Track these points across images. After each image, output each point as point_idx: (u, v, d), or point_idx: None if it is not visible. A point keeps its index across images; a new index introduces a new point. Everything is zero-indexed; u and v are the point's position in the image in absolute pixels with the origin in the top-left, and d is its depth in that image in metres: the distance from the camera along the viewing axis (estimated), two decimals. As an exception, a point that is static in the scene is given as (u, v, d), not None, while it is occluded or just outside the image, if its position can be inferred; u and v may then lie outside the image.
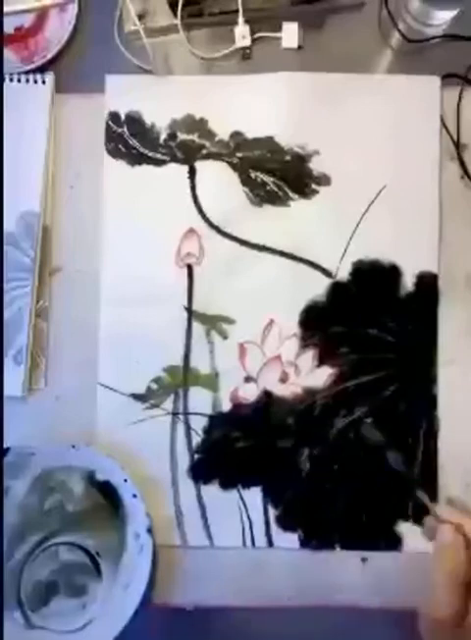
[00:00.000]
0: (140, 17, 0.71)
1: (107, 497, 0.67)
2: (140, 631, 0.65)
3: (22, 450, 0.66)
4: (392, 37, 0.72)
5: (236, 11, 0.70)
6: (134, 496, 0.65)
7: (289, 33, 0.71)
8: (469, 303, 0.70)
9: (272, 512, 0.67)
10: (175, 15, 0.70)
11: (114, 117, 0.71)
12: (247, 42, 0.71)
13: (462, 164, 0.70)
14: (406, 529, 0.67)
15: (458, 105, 0.70)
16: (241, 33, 0.71)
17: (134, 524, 0.66)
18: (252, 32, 0.71)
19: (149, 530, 0.64)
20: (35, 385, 0.70)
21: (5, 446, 0.66)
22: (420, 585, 0.65)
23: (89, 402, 0.69)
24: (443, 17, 0.67)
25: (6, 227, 0.70)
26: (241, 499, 0.67)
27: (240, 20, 0.70)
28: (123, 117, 0.71)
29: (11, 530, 0.67)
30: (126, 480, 0.65)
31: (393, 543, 0.67)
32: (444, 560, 0.52)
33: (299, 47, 0.71)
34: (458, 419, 0.68)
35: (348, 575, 0.67)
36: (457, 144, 0.70)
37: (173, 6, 0.70)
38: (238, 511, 0.67)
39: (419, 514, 0.67)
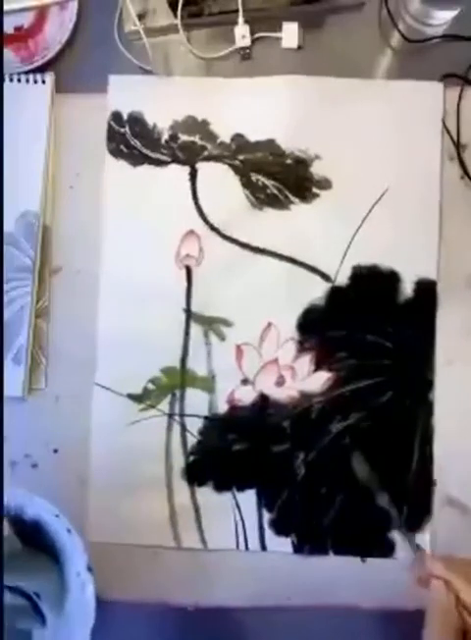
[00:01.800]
0: (140, 17, 0.70)
1: (39, 535, 0.62)
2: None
3: None
4: (393, 37, 0.71)
5: (236, 11, 0.70)
6: (69, 530, 0.60)
7: (289, 33, 0.70)
8: (469, 303, 0.69)
9: (266, 516, 0.67)
10: (175, 15, 0.70)
11: (116, 117, 0.71)
12: (247, 42, 0.71)
13: (462, 164, 0.69)
14: (400, 536, 0.67)
15: (458, 105, 0.70)
16: (241, 33, 0.70)
17: (73, 562, 0.61)
18: (252, 32, 0.71)
19: (89, 568, 0.59)
20: (35, 385, 0.70)
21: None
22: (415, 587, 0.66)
23: (89, 403, 0.70)
24: (443, 17, 0.66)
25: (6, 227, 0.70)
26: (236, 501, 0.68)
27: (240, 20, 0.70)
28: (125, 117, 0.71)
29: None
30: (57, 516, 0.60)
31: (387, 550, 0.67)
32: (435, 620, 0.54)
33: (299, 47, 0.71)
34: (458, 419, 0.68)
35: (346, 576, 0.67)
36: (457, 144, 0.69)
37: (173, 6, 0.70)
38: (232, 514, 0.68)
39: (413, 521, 0.67)
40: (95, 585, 0.59)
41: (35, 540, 0.62)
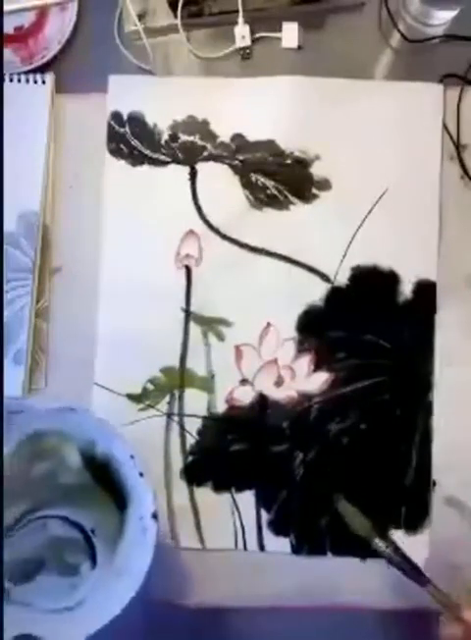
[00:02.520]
0: (140, 17, 0.70)
1: (108, 472, 0.60)
2: (135, 624, 0.66)
3: (8, 405, 0.58)
4: (393, 37, 0.71)
5: (236, 11, 0.70)
6: (141, 474, 0.57)
7: (289, 33, 0.70)
8: (468, 303, 0.69)
9: (264, 516, 0.67)
10: (175, 15, 0.70)
11: (116, 117, 0.71)
12: (247, 42, 0.71)
13: (462, 164, 0.69)
14: (399, 537, 0.66)
15: (458, 105, 0.69)
16: (241, 33, 0.70)
17: (138, 506, 0.58)
18: (252, 32, 0.71)
19: (154, 515, 0.57)
20: (35, 385, 0.70)
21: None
22: (413, 587, 0.66)
23: (89, 403, 0.69)
24: (443, 17, 0.66)
25: (6, 227, 0.70)
26: (234, 502, 0.68)
27: (240, 20, 0.70)
28: (125, 117, 0.71)
29: None
30: (132, 457, 0.57)
31: (386, 550, 0.67)
32: None
33: (299, 47, 0.71)
34: (457, 419, 0.68)
35: (345, 576, 0.67)
36: (457, 144, 0.69)
37: (173, 6, 0.70)
38: (231, 514, 0.68)
39: (411, 522, 0.67)
40: (157, 533, 0.57)
41: (103, 476, 0.61)
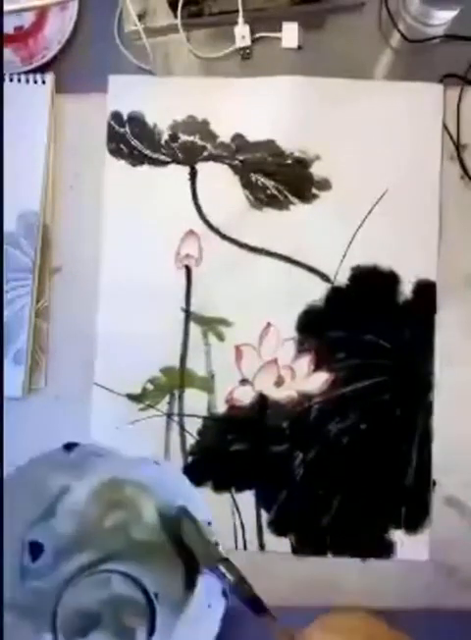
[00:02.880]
0: (140, 17, 0.70)
1: (181, 535, 0.55)
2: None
3: (92, 449, 0.56)
4: (393, 37, 0.71)
5: (236, 11, 0.69)
6: (216, 543, 0.53)
7: (289, 33, 0.70)
8: (468, 303, 0.69)
9: (264, 516, 0.68)
10: (175, 15, 0.70)
11: (116, 117, 0.71)
12: (247, 42, 0.71)
13: (462, 164, 0.69)
14: (398, 537, 0.67)
15: (458, 105, 0.70)
16: (241, 33, 0.70)
17: (208, 579, 0.53)
18: (252, 32, 0.71)
19: (225, 594, 0.52)
20: (35, 385, 0.70)
21: (72, 441, 0.57)
22: (414, 587, 0.66)
23: (89, 403, 0.70)
24: (443, 17, 0.66)
25: (6, 227, 0.70)
26: (234, 502, 0.68)
27: (240, 20, 0.70)
28: (125, 117, 0.71)
29: (60, 541, 0.56)
30: (210, 523, 0.54)
31: (386, 550, 0.67)
32: None
33: (299, 47, 0.71)
34: (457, 419, 0.68)
35: (345, 576, 0.67)
36: (457, 144, 0.69)
37: (173, 6, 0.69)
38: (231, 514, 0.68)
39: (411, 522, 0.67)
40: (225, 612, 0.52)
41: (177, 539, 0.56)
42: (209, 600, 0.53)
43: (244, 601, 0.52)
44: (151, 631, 0.56)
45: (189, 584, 0.54)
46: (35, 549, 0.56)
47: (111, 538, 0.57)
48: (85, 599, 0.57)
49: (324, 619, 0.49)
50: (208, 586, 0.53)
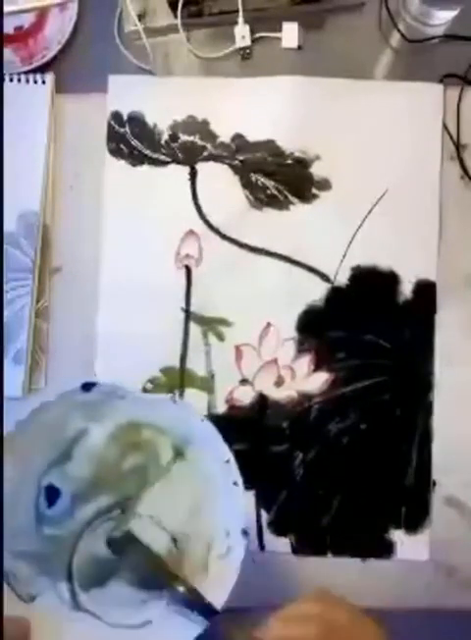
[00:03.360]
0: (140, 17, 0.70)
1: (200, 475, 0.57)
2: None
3: (110, 389, 0.56)
4: (393, 37, 0.71)
5: (236, 11, 0.70)
6: (235, 483, 0.53)
7: (289, 33, 0.70)
8: (468, 303, 0.69)
9: (264, 517, 0.67)
10: (175, 15, 0.70)
11: (116, 117, 0.71)
12: (247, 42, 0.71)
13: (462, 164, 0.69)
14: (398, 537, 0.67)
15: (458, 105, 0.70)
16: (241, 33, 0.70)
17: (227, 519, 0.54)
18: (252, 32, 0.71)
19: (245, 532, 0.52)
20: (35, 385, 0.70)
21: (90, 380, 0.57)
22: (414, 587, 0.66)
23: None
24: (443, 17, 0.66)
25: (6, 227, 0.70)
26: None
27: (240, 20, 0.70)
28: (125, 117, 0.71)
29: (77, 485, 0.56)
30: (228, 461, 0.54)
31: (386, 550, 0.67)
32: None
33: (299, 47, 0.71)
34: (457, 419, 0.68)
35: (345, 576, 0.67)
36: (457, 144, 0.69)
37: (173, 6, 0.70)
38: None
39: (411, 522, 0.67)
40: (247, 549, 0.52)
41: (192, 480, 0.57)
42: (228, 541, 0.53)
43: (195, 608, 0.51)
44: (171, 576, 0.55)
45: (209, 528, 0.55)
46: (52, 493, 0.57)
47: (129, 481, 0.57)
48: (103, 546, 0.56)
49: (281, 612, 0.49)
50: (226, 527, 0.54)
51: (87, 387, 0.56)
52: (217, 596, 0.52)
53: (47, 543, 0.56)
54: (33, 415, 0.55)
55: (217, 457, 0.55)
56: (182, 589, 0.52)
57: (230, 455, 0.54)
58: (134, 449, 0.58)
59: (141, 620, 0.54)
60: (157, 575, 0.54)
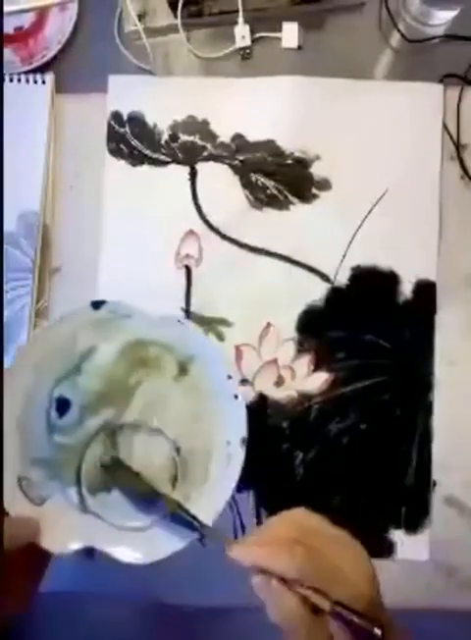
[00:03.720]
0: (140, 17, 0.70)
1: (202, 389, 0.60)
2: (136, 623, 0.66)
3: (118, 308, 0.59)
4: (393, 37, 0.71)
5: (236, 11, 0.70)
6: (235, 397, 0.57)
7: (289, 33, 0.70)
8: (468, 303, 0.69)
9: (264, 516, 0.67)
10: (175, 15, 0.70)
11: (116, 117, 0.71)
12: (247, 42, 0.71)
13: (462, 164, 0.69)
14: (398, 537, 0.67)
15: (458, 105, 0.70)
16: (241, 33, 0.70)
17: (227, 429, 0.58)
18: (252, 32, 0.71)
19: (244, 440, 0.56)
20: (35, 384, 0.70)
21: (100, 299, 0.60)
22: (414, 587, 0.66)
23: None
24: (443, 17, 0.66)
25: (6, 227, 0.70)
26: (234, 502, 0.67)
27: (240, 20, 0.70)
28: (125, 117, 0.71)
29: (86, 397, 0.59)
30: (230, 377, 0.57)
31: (386, 550, 0.67)
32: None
33: (299, 47, 0.71)
34: (457, 419, 0.68)
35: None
36: (457, 144, 0.69)
37: (173, 6, 0.70)
38: (231, 515, 0.67)
39: (411, 522, 0.67)
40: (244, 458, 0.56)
41: (196, 394, 0.60)
42: (228, 450, 0.57)
43: (184, 524, 0.54)
44: (173, 487, 0.59)
45: (209, 438, 0.59)
46: (62, 404, 0.60)
47: (136, 396, 0.61)
48: (110, 453, 0.60)
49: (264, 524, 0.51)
50: (226, 437, 0.57)
51: (97, 305, 0.59)
52: (216, 501, 0.56)
53: (58, 450, 0.59)
54: (46, 331, 0.59)
55: (218, 373, 0.58)
56: (170, 508, 0.55)
57: (230, 372, 0.58)
58: (141, 365, 0.61)
59: (144, 524, 0.57)
60: (147, 496, 0.57)
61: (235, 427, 0.57)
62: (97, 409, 0.60)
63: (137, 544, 0.55)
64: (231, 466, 0.57)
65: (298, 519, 0.50)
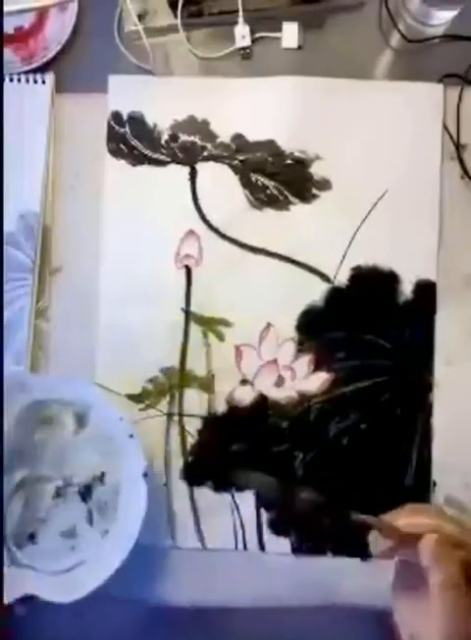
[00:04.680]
0: (140, 17, 0.70)
1: (102, 434, 0.65)
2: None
3: (13, 378, 0.64)
4: (392, 37, 0.71)
5: (236, 11, 0.69)
6: (131, 436, 0.62)
7: (289, 33, 0.70)
8: (468, 303, 0.69)
9: (264, 516, 0.67)
10: (175, 15, 0.70)
11: (116, 117, 0.71)
12: (247, 42, 0.71)
13: (462, 164, 0.69)
14: (399, 537, 0.67)
15: (458, 105, 0.70)
16: (241, 33, 0.70)
17: (129, 467, 0.63)
18: (252, 32, 0.71)
19: (145, 474, 0.62)
20: (35, 385, 0.71)
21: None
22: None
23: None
24: (443, 17, 0.66)
25: (6, 227, 0.70)
26: (234, 502, 0.68)
27: (240, 20, 0.70)
28: (125, 117, 0.71)
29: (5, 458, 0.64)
30: (121, 419, 0.63)
31: (386, 550, 0.67)
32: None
33: (299, 47, 0.71)
34: (457, 419, 0.68)
35: (345, 576, 0.67)
36: (457, 144, 0.69)
37: (173, 6, 0.70)
38: (231, 514, 0.68)
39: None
40: (149, 492, 0.61)
41: (96, 441, 0.66)
42: (134, 485, 0.62)
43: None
44: (90, 525, 0.66)
45: (114, 477, 0.65)
46: None
47: (41, 452, 0.66)
48: (28, 508, 0.65)
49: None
50: (130, 474, 0.63)
51: None
52: (131, 529, 0.61)
53: None
54: None
55: (112, 417, 0.63)
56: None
57: (121, 414, 0.63)
58: (42, 424, 0.66)
59: (71, 564, 0.63)
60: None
61: (136, 463, 0.62)
62: (10, 469, 0.65)
63: (64, 583, 0.61)
64: (138, 498, 0.61)
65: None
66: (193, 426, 0.69)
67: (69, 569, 0.63)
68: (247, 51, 0.71)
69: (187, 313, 0.70)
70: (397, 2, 0.70)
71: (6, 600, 0.58)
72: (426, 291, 0.68)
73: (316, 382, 0.68)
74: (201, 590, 0.67)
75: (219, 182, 0.71)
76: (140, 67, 0.71)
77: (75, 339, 0.70)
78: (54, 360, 0.70)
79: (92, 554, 0.63)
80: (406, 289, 0.69)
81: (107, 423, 0.64)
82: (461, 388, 0.68)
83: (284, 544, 0.67)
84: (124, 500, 0.64)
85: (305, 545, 0.67)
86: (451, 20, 0.68)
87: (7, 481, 0.65)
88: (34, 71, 0.71)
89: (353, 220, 0.69)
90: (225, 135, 0.71)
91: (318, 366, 0.68)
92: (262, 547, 0.67)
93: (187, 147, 0.71)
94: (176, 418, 0.69)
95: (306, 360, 0.69)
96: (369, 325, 0.68)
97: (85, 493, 0.66)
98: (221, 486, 0.68)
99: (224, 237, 0.70)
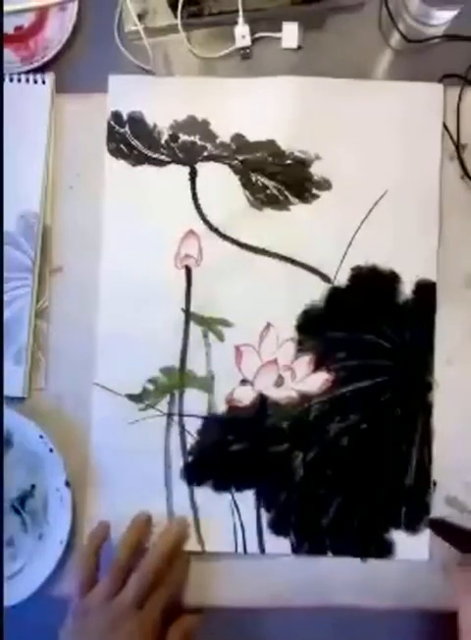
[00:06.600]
0: (140, 17, 0.70)
1: (27, 452, 0.69)
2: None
3: None
4: (392, 37, 0.71)
5: (236, 11, 0.69)
6: (51, 450, 0.68)
7: (289, 33, 0.70)
8: (468, 303, 0.69)
9: (264, 516, 0.68)
10: (175, 15, 0.70)
11: (116, 117, 0.71)
12: (247, 42, 0.71)
13: (462, 164, 0.69)
14: (398, 537, 0.67)
15: (458, 105, 0.69)
16: (241, 33, 0.70)
17: (53, 478, 0.69)
18: (252, 32, 0.70)
19: (67, 483, 0.68)
20: (35, 385, 0.70)
21: None
22: (414, 587, 0.66)
23: (89, 403, 0.70)
24: (443, 17, 0.66)
25: (6, 227, 0.70)
26: (234, 502, 0.68)
27: (240, 20, 0.70)
28: (125, 117, 0.71)
29: None
30: (41, 436, 0.68)
31: (386, 550, 0.67)
32: None
33: (299, 47, 0.71)
34: (457, 419, 0.68)
35: (346, 577, 0.67)
36: (457, 144, 0.69)
37: (173, 6, 0.69)
38: (231, 514, 0.68)
39: (411, 522, 0.67)
40: (72, 499, 0.68)
41: (22, 457, 0.71)
42: (60, 494, 0.69)
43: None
44: (25, 534, 0.70)
45: (42, 489, 0.71)
46: None
47: None
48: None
49: None
50: (55, 485, 0.69)
51: None
52: (61, 533, 0.68)
53: None
54: None
55: (33, 437, 0.69)
56: None
57: (42, 432, 0.68)
58: None
59: (13, 571, 0.69)
60: None
61: (58, 475, 0.68)
62: None
63: (9, 588, 0.68)
64: (64, 505, 0.68)
65: None
66: (193, 426, 0.69)
67: (11, 577, 0.69)
68: (247, 51, 0.71)
69: (187, 313, 0.70)
70: (397, 2, 0.70)
71: None
72: (426, 290, 0.68)
73: (316, 382, 0.68)
74: (201, 591, 0.68)
75: (219, 182, 0.71)
76: (140, 67, 0.71)
77: (75, 339, 0.70)
78: (54, 360, 0.70)
79: (29, 560, 0.69)
80: (406, 288, 0.69)
81: (29, 441, 0.69)
82: (461, 388, 0.68)
83: (283, 544, 0.67)
84: (52, 507, 0.70)
85: (305, 545, 0.67)
86: (451, 20, 0.68)
87: None
88: (34, 71, 0.71)
89: (353, 220, 0.69)
90: (225, 135, 0.71)
91: (318, 366, 0.69)
92: (262, 547, 0.67)
93: (187, 147, 0.71)
94: (176, 418, 0.69)
95: (306, 360, 0.69)
96: (369, 325, 0.68)
97: (19, 506, 0.71)
98: (221, 486, 0.68)
99: (224, 237, 0.70)
